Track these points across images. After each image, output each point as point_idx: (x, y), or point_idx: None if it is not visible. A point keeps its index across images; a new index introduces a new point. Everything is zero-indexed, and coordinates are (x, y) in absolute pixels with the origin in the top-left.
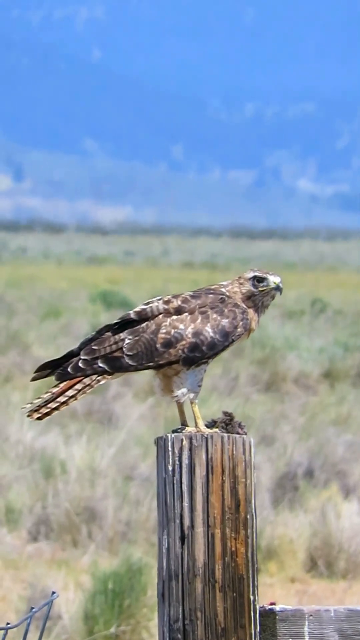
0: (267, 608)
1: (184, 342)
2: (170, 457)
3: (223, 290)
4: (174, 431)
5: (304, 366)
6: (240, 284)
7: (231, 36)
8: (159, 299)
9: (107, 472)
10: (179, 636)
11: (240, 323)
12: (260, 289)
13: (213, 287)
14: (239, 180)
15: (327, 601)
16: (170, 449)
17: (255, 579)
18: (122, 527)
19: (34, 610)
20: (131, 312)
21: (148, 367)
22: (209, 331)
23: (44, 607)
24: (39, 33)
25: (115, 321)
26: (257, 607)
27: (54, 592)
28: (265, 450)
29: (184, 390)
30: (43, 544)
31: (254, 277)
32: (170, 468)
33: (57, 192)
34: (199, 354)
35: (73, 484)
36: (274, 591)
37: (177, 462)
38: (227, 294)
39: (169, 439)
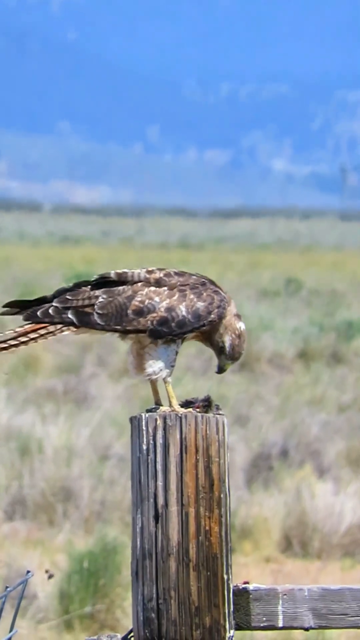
0: (240, 587)
1: (154, 315)
2: (145, 436)
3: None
4: (148, 411)
5: (279, 346)
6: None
7: (206, 17)
8: (143, 268)
9: (82, 452)
10: (153, 615)
11: (216, 310)
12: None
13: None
14: (214, 161)
15: (302, 581)
16: (144, 428)
17: (229, 558)
18: (98, 507)
19: (8, 589)
20: (112, 272)
21: (114, 330)
22: (182, 310)
23: (18, 586)
24: (14, 14)
25: (95, 277)
26: (231, 586)
27: (28, 572)
28: (240, 430)
29: (156, 368)
30: (19, 523)
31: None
32: (144, 447)
33: (33, 173)
34: (166, 329)
35: (49, 463)
36: (248, 571)
37: (151, 442)
38: (222, 292)
39: (143, 418)
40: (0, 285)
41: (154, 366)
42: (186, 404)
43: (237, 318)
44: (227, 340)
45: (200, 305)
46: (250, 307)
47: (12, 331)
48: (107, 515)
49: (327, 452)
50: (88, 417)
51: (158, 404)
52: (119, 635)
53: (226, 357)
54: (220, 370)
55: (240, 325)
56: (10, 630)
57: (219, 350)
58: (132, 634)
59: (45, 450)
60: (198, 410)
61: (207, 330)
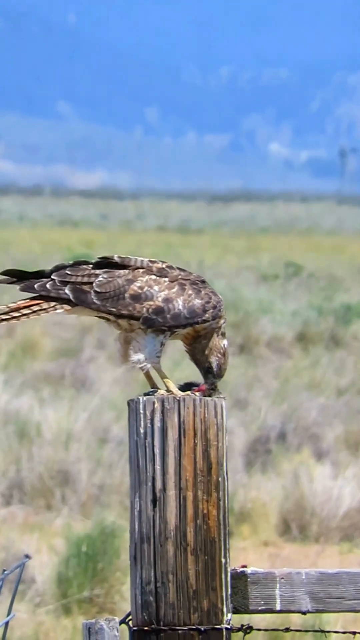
0: (238, 571)
1: (151, 303)
2: (142, 419)
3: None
4: (146, 394)
5: (278, 330)
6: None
7: (206, 1)
8: (146, 258)
9: (81, 436)
10: (151, 599)
11: (211, 310)
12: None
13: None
14: (213, 144)
15: (300, 564)
16: (142, 411)
17: (227, 541)
18: (96, 491)
19: (5, 572)
20: (116, 255)
21: (109, 312)
22: (179, 303)
23: (15, 569)
24: None
25: (98, 258)
26: (229, 569)
27: (26, 555)
28: (239, 414)
29: (141, 357)
30: (17, 507)
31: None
32: (142, 431)
33: (32, 156)
34: (160, 320)
35: (47, 447)
36: (247, 554)
37: (149, 425)
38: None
39: (141, 401)
40: None
41: (139, 354)
42: (185, 387)
43: (222, 336)
44: (214, 361)
45: (197, 302)
46: (250, 290)
47: (4, 306)
48: (105, 499)
49: (326, 435)
50: (87, 401)
51: (154, 387)
52: (117, 619)
53: (214, 376)
54: (211, 388)
55: (224, 344)
56: (8, 614)
57: (206, 370)
58: (130, 618)
59: (44, 434)
60: (204, 393)
61: (198, 331)
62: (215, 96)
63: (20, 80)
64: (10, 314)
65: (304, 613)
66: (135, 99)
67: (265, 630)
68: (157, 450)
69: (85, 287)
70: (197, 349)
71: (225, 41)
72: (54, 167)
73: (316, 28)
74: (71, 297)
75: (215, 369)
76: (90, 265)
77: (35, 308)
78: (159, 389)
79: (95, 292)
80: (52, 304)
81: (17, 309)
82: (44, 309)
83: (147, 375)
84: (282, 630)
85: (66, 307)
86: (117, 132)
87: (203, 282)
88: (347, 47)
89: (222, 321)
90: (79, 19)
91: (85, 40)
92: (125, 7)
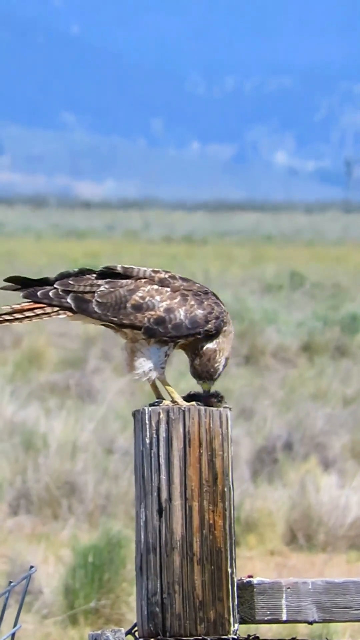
0: (244, 581)
1: (152, 313)
2: (148, 430)
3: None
4: (151, 405)
5: (283, 339)
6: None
7: (210, 10)
8: (149, 268)
9: (87, 446)
10: (157, 609)
11: (213, 321)
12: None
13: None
14: (218, 154)
15: (307, 574)
16: (147, 422)
17: (233, 551)
18: (102, 501)
19: (12, 584)
20: (119, 265)
21: (110, 322)
22: (180, 313)
23: (22, 581)
24: (18, 7)
25: (101, 268)
26: (235, 580)
27: (32, 567)
28: (245, 423)
29: (146, 368)
30: (23, 518)
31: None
32: (147, 441)
33: (36, 166)
34: (162, 330)
35: (53, 457)
36: (253, 564)
37: (154, 435)
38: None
39: (146, 412)
40: (3, 279)
41: (144, 366)
42: (189, 398)
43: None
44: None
45: (199, 312)
46: (255, 300)
47: (9, 307)
48: (111, 509)
49: (332, 445)
50: (92, 412)
51: (160, 398)
52: (123, 630)
53: (211, 381)
54: (205, 392)
55: (212, 347)
56: (14, 626)
57: (209, 376)
58: (136, 629)
59: (50, 445)
60: (211, 404)
61: (201, 339)
62: (219, 106)
63: (25, 91)
64: (14, 314)
65: (310, 623)
66: (140, 109)
67: None
68: (162, 461)
69: (87, 297)
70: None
71: (229, 50)
72: (59, 178)
73: (321, 37)
74: (73, 306)
75: (217, 374)
76: (94, 275)
77: (38, 312)
78: (164, 399)
79: (97, 302)
80: (56, 309)
81: (20, 311)
82: (47, 313)
83: (153, 386)
84: None
85: (69, 313)
86: (122, 142)
87: (206, 292)
88: (352, 56)
89: (229, 326)
90: (82, 29)
91: (89, 50)
92: (130, 17)
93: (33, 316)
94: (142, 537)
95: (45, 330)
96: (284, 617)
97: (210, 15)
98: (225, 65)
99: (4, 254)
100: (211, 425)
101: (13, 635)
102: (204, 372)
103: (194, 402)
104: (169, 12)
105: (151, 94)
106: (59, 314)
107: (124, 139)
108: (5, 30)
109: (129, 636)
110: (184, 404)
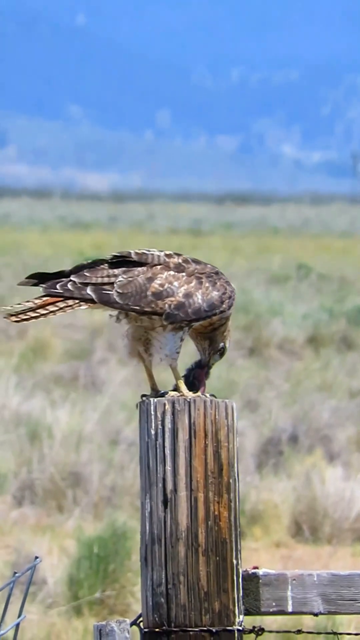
0: (250, 572)
1: (172, 299)
2: (153, 421)
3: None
4: (157, 395)
5: (289, 332)
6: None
7: (217, 2)
8: (161, 251)
9: (92, 437)
10: (162, 600)
11: (227, 300)
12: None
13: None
14: (224, 146)
15: (312, 566)
16: (152, 413)
17: (238, 543)
18: (107, 492)
19: (16, 575)
20: (132, 251)
21: (132, 310)
22: (198, 297)
23: (26, 572)
24: None
25: (114, 254)
26: (240, 571)
27: (37, 557)
28: (250, 415)
29: (162, 354)
30: (28, 509)
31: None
32: (152, 432)
33: (42, 158)
34: (182, 315)
35: (58, 448)
36: (259, 556)
37: (159, 426)
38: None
39: (152, 403)
40: (10, 271)
41: (162, 351)
42: (189, 372)
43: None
44: (228, 342)
45: (214, 294)
46: (260, 292)
47: (31, 302)
48: (116, 500)
49: (337, 437)
50: (98, 402)
51: (154, 389)
52: (128, 621)
53: (219, 356)
54: (209, 367)
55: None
56: (19, 616)
57: (217, 350)
58: (141, 619)
59: (55, 436)
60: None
61: (213, 323)
62: (225, 98)
63: (31, 83)
64: (38, 310)
65: (315, 615)
66: (146, 101)
67: (277, 632)
68: (167, 452)
69: (107, 288)
70: (218, 331)
71: (235, 43)
72: (65, 170)
73: (327, 30)
74: (94, 298)
75: (226, 350)
76: (107, 264)
77: (60, 305)
78: (160, 390)
79: (118, 292)
80: (77, 301)
81: (43, 306)
82: (70, 306)
83: (149, 374)
84: (294, 632)
85: (90, 304)
86: (128, 134)
87: (217, 273)
88: (358, 49)
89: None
90: (88, 21)
91: (95, 42)
92: (135, 9)
93: (56, 310)
94: (147, 528)
95: (50, 321)
96: (290, 609)
97: (217, 8)
98: (231, 57)
99: (10, 245)
100: (217, 417)
101: (17, 625)
102: (215, 348)
103: (199, 393)
104: (176, 4)
105: (157, 86)
106: (80, 306)
107: (130, 131)
108: (11, 22)
109: (134, 627)
110: (190, 395)
